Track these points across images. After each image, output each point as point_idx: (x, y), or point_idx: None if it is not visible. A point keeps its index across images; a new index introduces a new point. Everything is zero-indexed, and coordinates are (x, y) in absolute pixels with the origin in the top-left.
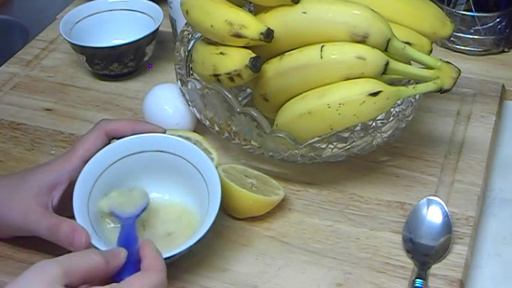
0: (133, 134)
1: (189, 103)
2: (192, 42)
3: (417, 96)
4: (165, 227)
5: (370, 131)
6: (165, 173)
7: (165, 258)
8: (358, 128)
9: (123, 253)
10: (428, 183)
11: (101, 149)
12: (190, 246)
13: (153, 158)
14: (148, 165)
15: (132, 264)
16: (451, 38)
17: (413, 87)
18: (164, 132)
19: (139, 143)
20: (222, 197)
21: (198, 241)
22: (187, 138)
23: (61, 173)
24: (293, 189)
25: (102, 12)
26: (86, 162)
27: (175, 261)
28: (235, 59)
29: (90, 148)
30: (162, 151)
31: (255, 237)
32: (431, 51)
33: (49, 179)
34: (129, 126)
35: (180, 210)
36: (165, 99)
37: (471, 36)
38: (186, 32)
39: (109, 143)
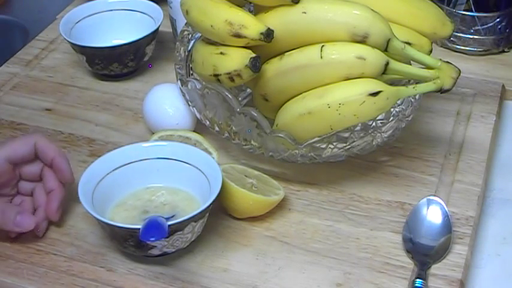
0: (52, 163)
1: (189, 103)
2: (192, 42)
3: (417, 96)
4: (170, 207)
5: (370, 131)
6: (169, 177)
7: (169, 226)
8: (358, 128)
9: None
10: (428, 183)
11: (24, 155)
12: (193, 216)
13: (155, 164)
14: (152, 170)
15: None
16: (451, 38)
17: (413, 87)
18: (72, 181)
19: (142, 151)
20: (222, 197)
21: (199, 214)
22: (187, 138)
23: None
24: (293, 189)
25: (102, 12)
26: (10, 162)
27: (175, 261)
28: (235, 59)
29: (16, 150)
30: (165, 158)
31: (255, 237)
32: (431, 51)
33: None
34: (54, 154)
35: (184, 196)
36: (165, 99)
37: (471, 36)
38: (186, 32)
39: (34, 154)
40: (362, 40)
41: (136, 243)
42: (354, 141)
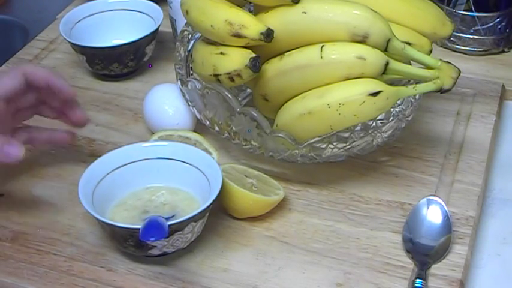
0: (47, 83)
1: (189, 103)
2: (192, 42)
3: (417, 96)
4: (170, 207)
5: (370, 131)
6: (169, 177)
7: (169, 226)
8: (358, 128)
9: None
10: (428, 183)
11: (15, 87)
12: (193, 216)
13: (155, 164)
14: (152, 170)
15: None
16: (451, 38)
17: (413, 87)
18: (74, 95)
19: (142, 151)
20: (222, 197)
21: (199, 213)
22: (187, 138)
23: None
24: (293, 189)
25: (102, 12)
26: (1, 98)
27: (175, 261)
28: (235, 59)
29: (5, 85)
30: (165, 158)
31: (255, 237)
32: (431, 51)
33: None
34: (46, 76)
35: (185, 196)
36: (165, 99)
37: (471, 36)
38: (186, 32)
39: (25, 85)
40: (362, 40)
41: (136, 243)
42: (354, 141)
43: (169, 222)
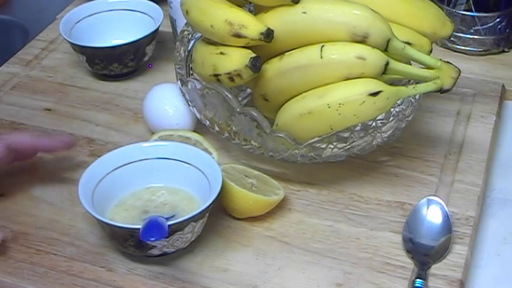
0: (34, 149)
1: (189, 103)
2: (192, 42)
3: (417, 96)
4: (170, 207)
5: (370, 131)
6: (169, 177)
7: (169, 226)
8: (358, 128)
9: None
10: (428, 183)
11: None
12: (193, 216)
13: (155, 164)
14: (152, 170)
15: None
16: (451, 38)
17: (413, 87)
18: (71, 144)
19: (142, 151)
20: (222, 197)
21: (199, 213)
22: (187, 138)
23: None
24: (293, 189)
25: (102, 12)
26: None
27: (175, 261)
28: (235, 59)
29: None
30: (165, 158)
31: (255, 237)
32: (431, 51)
33: None
34: (30, 141)
35: (184, 196)
36: (165, 99)
37: (471, 36)
38: (186, 32)
39: (10, 154)
40: (362, 40)
41: (136, 243)
42: (354, 141)
43: (169, 222)
